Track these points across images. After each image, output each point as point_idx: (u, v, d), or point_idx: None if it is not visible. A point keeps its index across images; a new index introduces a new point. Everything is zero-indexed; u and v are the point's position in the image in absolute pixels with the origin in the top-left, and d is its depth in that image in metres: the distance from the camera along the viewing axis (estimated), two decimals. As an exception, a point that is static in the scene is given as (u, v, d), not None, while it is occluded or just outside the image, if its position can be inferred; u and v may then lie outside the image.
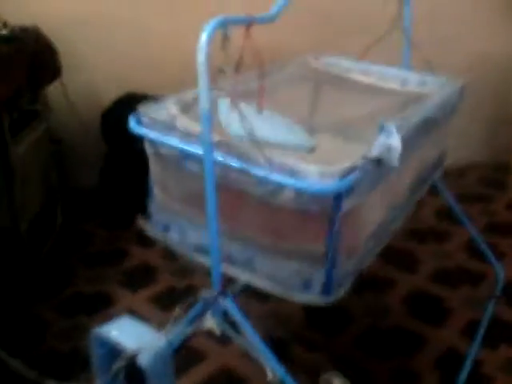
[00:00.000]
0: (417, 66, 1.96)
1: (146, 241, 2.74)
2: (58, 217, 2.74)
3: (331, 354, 1.98)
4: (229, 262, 1.48)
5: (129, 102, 2.81)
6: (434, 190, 2.02)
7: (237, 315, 1.44)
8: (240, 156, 1.31)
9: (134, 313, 2.10)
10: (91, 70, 2.91)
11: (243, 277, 1.49)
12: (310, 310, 2.20)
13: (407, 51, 1.99)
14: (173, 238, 1.61)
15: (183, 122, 1.45)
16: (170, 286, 2.39)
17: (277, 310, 2.21)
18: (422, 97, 1.74)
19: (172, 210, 1.60)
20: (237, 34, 1.25)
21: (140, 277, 2.48)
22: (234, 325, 1.48)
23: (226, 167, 1.34)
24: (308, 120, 2.00)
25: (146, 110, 1.52)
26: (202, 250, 1.51)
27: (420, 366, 1.91)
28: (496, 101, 3.29)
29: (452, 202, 2.12)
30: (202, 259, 1.51)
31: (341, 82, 2.04)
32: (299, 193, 1.27)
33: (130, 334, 1.40)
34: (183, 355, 1.93)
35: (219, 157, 1.33)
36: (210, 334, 1.52)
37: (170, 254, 2.37)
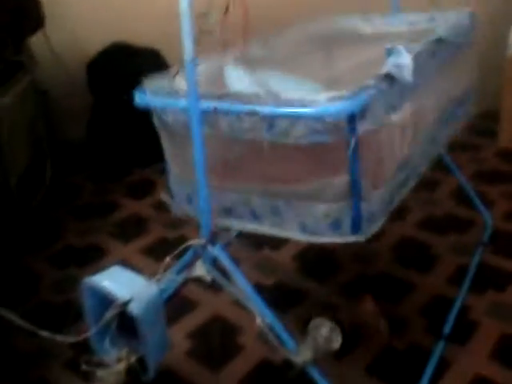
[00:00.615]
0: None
1: (136, 193, 2.76)
2: (47, 170, 2.72)
3: (320, 300, 2.01)
4: (254, 220, 1.47)
5: (115, 52, 2.77)
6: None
7: (226, 262, 1.45)
8: (245, 101, 1.28)
9: (126, 264, 2.11)
10: (75, 20, 2.85)
11: (270, 231, 1.47)
12: (300, 258, 2.23)
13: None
14: (192, 207, 1.57)
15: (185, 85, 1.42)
16: (162, 237, 2.40)
17: (269, 258, 2.23)
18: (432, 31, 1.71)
19: (191, 181, 1.57)
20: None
21: (131, 228, 2.49)
22: (225, 273, 1.49)
23: (234, 117, 1.31)
24: (320, 75, 1.96)
25: (150, 82, 1.48)
26: (228, 211, 1.49)
27: (407, 312, 1.94)
28: (484, 48, 3.25)
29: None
30: (228, 222, 1.51)
31: (347, 37, 1.99)
32: (311, 125, 1.23)
33: (121, 283, 1.41)
34: (175, 304, 1.95)
35: (226, 105, 1.30)
36: (201, 282, 1.54)
37: (160, 205, 2.37)
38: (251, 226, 1.48)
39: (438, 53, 1.53)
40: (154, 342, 1.43)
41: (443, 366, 1.71)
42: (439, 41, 1.55)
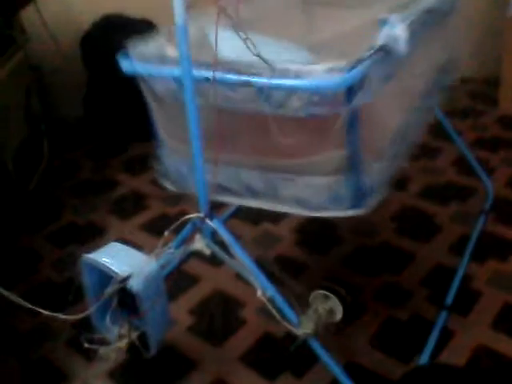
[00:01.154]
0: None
1: (134, 169, 2.74)
2: (44, 148, 2.70)
3: (321, 273, 2.00)
4: (251, 195, 1.45)
5: (108, 25, 2.72)
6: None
7: (225, 236, 1.44)
8: (240, 71, 1.25)
9: (126, 240, 2.11)
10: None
11: (267, 206, 1.45)
12: (300, 231, 2.22)
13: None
14: (187, 180, 1.55)
15: (172, 51, 1.39)
16: (162, 213, 2.39)
17: (268, 232, 2.22)
18: None
19: (181, 151, 1.53)
20: None
21: (131, 205, 2.47)
22: (225, 248, 1.48)
23: (229, 90, 1.27)
24: (305, 40, 1.93)
25: (135, 46, 1.44)
26: (219, 187, 1.46)
27: (409, 282, 1.93)
28: (484, 13, 3.20)
29: (441, 118, 2.09)
30: (219, 197, 1.48)
31: (332, 1, 1.96)
32: (308, 97, 1.21)
33: (120, 259, 1.40)
34: (177, 279, 1.95)
35: (219, 75, 1.26)
36: (202, 258, 1.53)
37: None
38: (247, 201, 1.46)
39: (427, 22, 1.50)
40: (155, 318, 1.43)
41: (446, 337, 1.71)
42: (429, 10, 1.52)
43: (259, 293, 1.41)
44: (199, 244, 1.50)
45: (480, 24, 3.22)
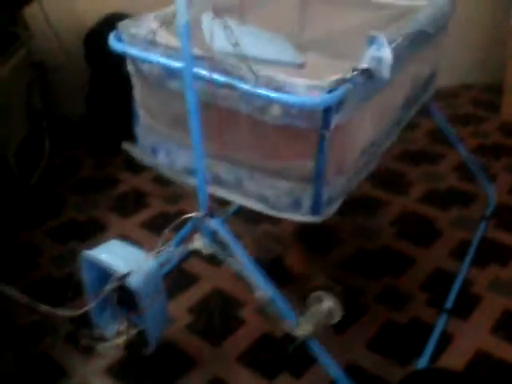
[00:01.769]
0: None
1: (135, 167, 2.73)
2: (45, 144, 2.69)
3: (321, 274, 2.00)
4: (217, 184, 1.47)
5: (112, 23, 2.71)
6: (425, 112, 1.99)
7: (225, 235, 1.44)
8: (225, 71, 1.26)
9: (126, 238, 2.11)
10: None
11: (232, 197, 1.48)
12: (300, 233, 2.21)
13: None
14: (161, 161, 1.59)
15: (164, 37, 1.40)
16: (162, 211, 2.39)
17: (268, 232, 2.22)
18: (413, 10, 1.68)
19: (159, 132, 1.56)
20: None
21: (131, 202, 2.47)
22: (225, 247, 1.48)
23: (211, 84, 1.29)
24: (296, 36, 1.94)
25: (126, 27, 1.46)
26: (190, 172, 1.49)
27: (409, 286, 1.93)
28: (488, 21, 3.20)
29: (444, 124, 2.09)
30: (190, 181, 1.49)
31: None
32: (287, 108, 1.24)
33: (119, 257, 1.40)
34: (176, 278, 1.95)
35: (203, 72, 1.28)
36: (202, 256, 1.53)
37: (160, 180, 2.36)
38: (214, 189, 1.48)
39: (414, 42, 1.51)
40: (154, 315, 1.43)
41: (445, 341, 1.70)
42: (418, 31, 1.52)
43: (258, 293, 1.41)
44: (198, 243, 1.50)
45: (483, 31, 3.23)
